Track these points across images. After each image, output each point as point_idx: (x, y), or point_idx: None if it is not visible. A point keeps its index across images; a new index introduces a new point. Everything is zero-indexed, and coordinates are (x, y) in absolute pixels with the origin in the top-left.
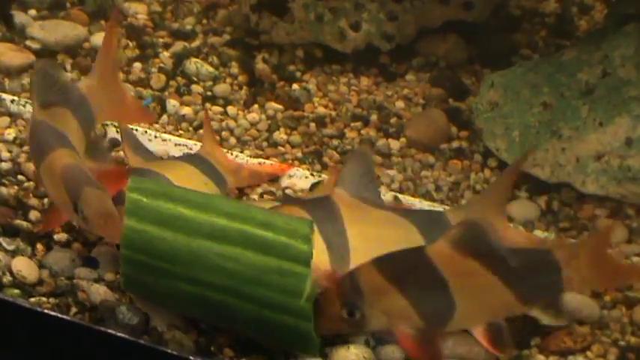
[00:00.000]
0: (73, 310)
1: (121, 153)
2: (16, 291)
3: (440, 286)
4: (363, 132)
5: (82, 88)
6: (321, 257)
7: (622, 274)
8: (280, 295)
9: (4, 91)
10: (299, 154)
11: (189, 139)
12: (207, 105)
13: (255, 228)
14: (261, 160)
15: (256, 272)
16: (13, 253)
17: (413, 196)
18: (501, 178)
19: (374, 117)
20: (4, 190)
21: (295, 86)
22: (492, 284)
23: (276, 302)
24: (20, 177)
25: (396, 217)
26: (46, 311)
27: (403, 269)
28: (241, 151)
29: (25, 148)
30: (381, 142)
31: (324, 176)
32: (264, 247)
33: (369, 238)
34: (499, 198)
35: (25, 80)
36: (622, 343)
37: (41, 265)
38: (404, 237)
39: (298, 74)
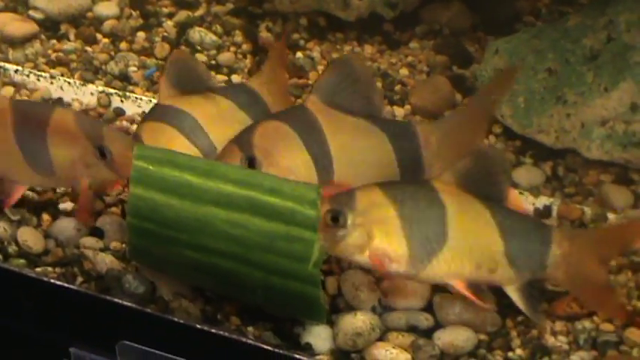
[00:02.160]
0: (79, 279)
1: (124, 122)
2: (22, 261)
3: (437, 217)
4: None
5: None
6: (308, 171)
7: None
8: (288, 261)
9: (8, 61)
10: None
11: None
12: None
13: (261, 194)
14: None
15: (263, 239)
16: (19, 224)
17: None
18: (478, 97)
19: (378, 84)
20: None
21: (299, 54)
22: (487, 230)
23: (283, 268)
24: None
25: (369, 124)
26: (52, 281)
27: (405, 190)
28: None
29: None
30: (385, 110)
31: None
32: (271, 213)
33: (348, 147)
34: (477, 115)
35: (29, 50)
36: (629, 307)
37: (47, 235)
38: (376, 145)
39: (302, 42)
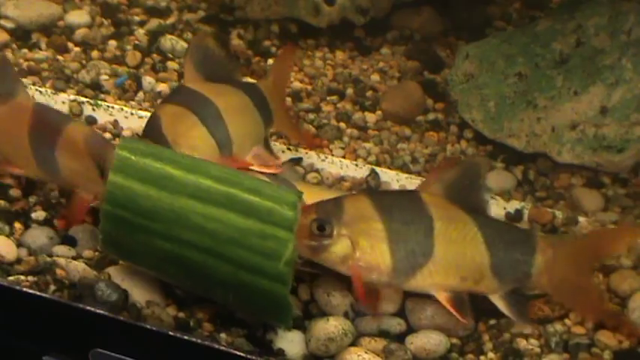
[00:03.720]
0: (52, 287)
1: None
2: None
3: (423, 230)
4: (339, 105)
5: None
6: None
7: None
8: (259, 257)
9: None
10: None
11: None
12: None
13: (241, 192)
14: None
15: (237, 234)
16: None
17: (390, 168)
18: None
19: (350, 91)
20: None
21: (271, 61)
22: (473, 243)
23: (253, 264)
24: None
25: (235, 89)
26: (24, 289)
27: (392, 201)
28: None
29: None
30: (357, 116)
31: (302, 150)
32: (248, 210)
33: (233, 110)
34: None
35: None
36: None
37: (19, 244)
38: (244, 104)
39: (273, 49)
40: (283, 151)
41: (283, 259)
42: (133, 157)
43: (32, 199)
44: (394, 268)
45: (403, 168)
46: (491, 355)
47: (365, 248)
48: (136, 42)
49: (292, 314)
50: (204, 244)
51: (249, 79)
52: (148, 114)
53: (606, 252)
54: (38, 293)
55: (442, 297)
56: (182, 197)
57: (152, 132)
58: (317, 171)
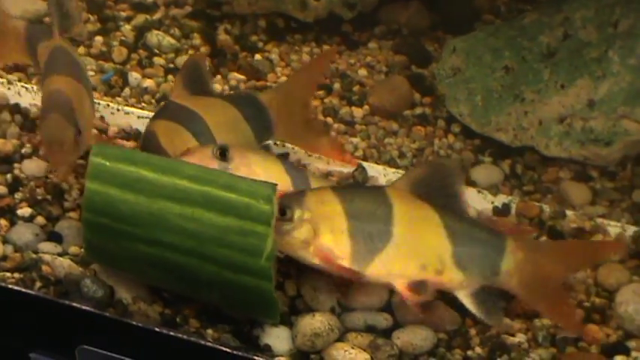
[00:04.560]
0: (38, 284)
1: None
2: None
3: (383, 216)
4: (326, 100)
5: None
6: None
7: None
8: (241, 254)
9: None
10: None
11: (152, 111)
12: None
13: (217, 189)
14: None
15: (217, 232)
16: None
17: (377, 162)
18: (310, 64)
19: (337, 85)
20: None
21: (258, 56)
22: (434, 231)
23: (236, 262)
24: None
25: (224, 102)
26: (10, 286)
27: (354, 190)
28: None
29: None
30: (344, 110)
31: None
32: (225, 208)
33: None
34: (308, 81)
35: None
36: (587, 304)
37: (5, 241)
38: (232, 118)
39: (260, 44)
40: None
41: (264, 254)
42: (107, 163)
43: (18, 196)
44: (353, 252)
45: (390, 163)
46: (478, 349)
47: (325, 232)
48: (123, 38)
49: (279, 309)
50: (186, 246)
51: (236, 74)
52: (135, 110)
53: (578, 265)
54: (24, 290)
55: (400, 285)
56: (159, 199)
57: (151, 148)
58: (304, 166)
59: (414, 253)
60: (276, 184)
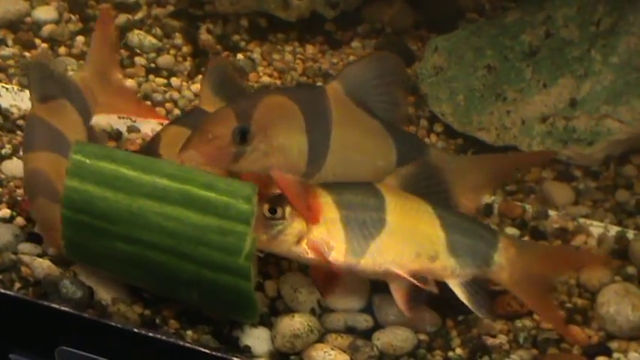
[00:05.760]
0: (17, 285)
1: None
2: None
3: (375, 204)
4: None
5: (77, 79)
6: (299, 155)
7: None
8: (220, 253)
9: None
10: None
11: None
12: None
13: (196, 188)
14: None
15: (196, 231)
16: None
17: None
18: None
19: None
20: None
21: (240, 56)
22: (427, 219)
23: (215, 261)
24: None
25: (381, 128)
26: None
27: (344, 185)
28: None
29: None
30: None
31: None
32: (205, 207)
33: (350, 143)
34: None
35: None
36: (569, 305)
37: None
38: (380, 151)
39: (243, 44)
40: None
41: (243, 253)
42: (87, 161)
43: None
44: (347, 241)
45: None
46: (459, 350)
47: (318, 225)
48: None
49: (258, 309)
50: (165, 244)
51: None
52: None
53: (566, 270)
54: (3, 291)
55: (400, 271)
56: (139, 198)
57: (150, 151)
58: None
59: (408, 240)
60: (256, 185)
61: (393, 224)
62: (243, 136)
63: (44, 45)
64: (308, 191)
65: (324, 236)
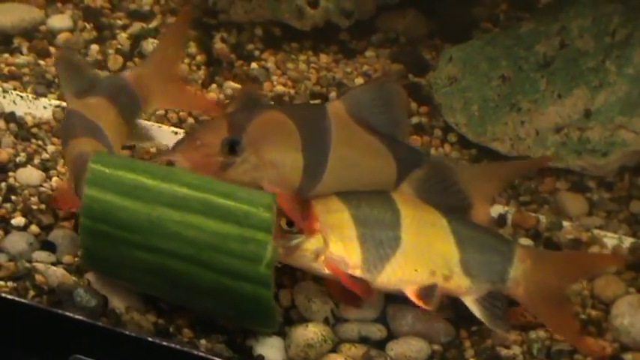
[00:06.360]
0: (31, 293)
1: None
2: None
3: (391, 221)
4: None
5: (129, 76)
6: (293, 171)
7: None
8: (240, 261)
9: None
10: None
11: (147, 120)
12: None
13: (216, 197)
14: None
15: (216, 239)
16: None
17: None
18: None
19: (333, 94)
20: None
21: (254, 65)
22: (442, 237)
23: (235, 269)
24: None
25: (382, 147)
26: (3, 295)
27: (359, 196)
28: None
29: None
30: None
31: None
32: (225, 215)
33: (349, 162)
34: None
35: None
36: (583, 316)
37: None
38: (380, 170)
39: (257, 53)
40: None
41: (264, 261)
42: (106, 170)
43: (12, 206)
44: (364, 259)
45: None
46: None
47: (335, 241)
48: (118, 46)
49: (277, 318)
50: (184, 253)
51: (232, 83)
52: None
53: (583, 275)
54: (17, 299)
55: (411, 292)
56: (158, 206)
57: None
58: None
59: (423, 259)
60: (275, 194)
61: (408, 243)
62: (232, 147)
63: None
64: (303, 204)
65: (342, 253)
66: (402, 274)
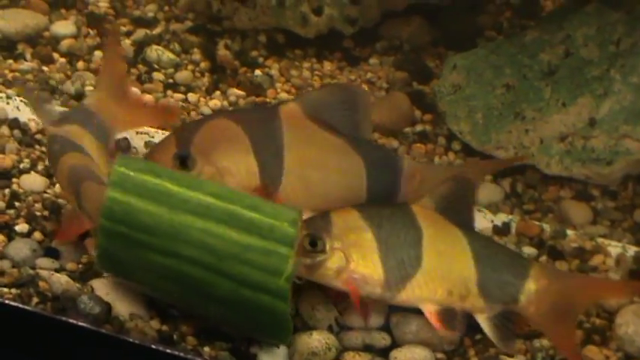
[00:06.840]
0: (35, 300)
1: None
2: None
3: (412, 240)
4: None
5: (91, 105)
6: (249, 176)
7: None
8: (261, 273)
9: None
10: None
11: (150, 127)
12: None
13: (241, 208)
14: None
15: (239, 250)
16: None
17: None
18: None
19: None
20: None
21: (257, 72)
22: (462, 257)
23: (255, 280)
24: None
25: (345, 145)
26: (7, 302)
27: (381, 212)
28: None
29: None
30: None
31: None
32: (249, 227)
33: (308, 161)
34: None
35: None
36: (587, 325)
37: (2, 256)
38: (347, 167)
39: (260, 60)
40: None
41: (284, 275)
42: (131, 173)
43: (16, 212)
44: (386, 278)
45: None
46: None
47: (357, 259)
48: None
49: (291, 331)
50: (204, 260)
51: (235, 90)
52: None
53: (598, 300)
54: (21, 306)
55: (429, 311)
56: (182, 213)
57: None
58: None
59: (442, 278)
60: (300, 210)
61: (429, 263)
62: (183, 162)
63: (62, 59)
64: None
65: (364, 272)
66: (420, 292)
